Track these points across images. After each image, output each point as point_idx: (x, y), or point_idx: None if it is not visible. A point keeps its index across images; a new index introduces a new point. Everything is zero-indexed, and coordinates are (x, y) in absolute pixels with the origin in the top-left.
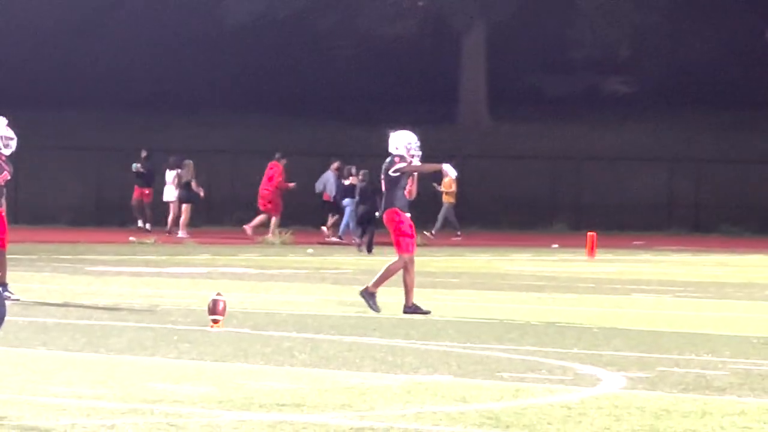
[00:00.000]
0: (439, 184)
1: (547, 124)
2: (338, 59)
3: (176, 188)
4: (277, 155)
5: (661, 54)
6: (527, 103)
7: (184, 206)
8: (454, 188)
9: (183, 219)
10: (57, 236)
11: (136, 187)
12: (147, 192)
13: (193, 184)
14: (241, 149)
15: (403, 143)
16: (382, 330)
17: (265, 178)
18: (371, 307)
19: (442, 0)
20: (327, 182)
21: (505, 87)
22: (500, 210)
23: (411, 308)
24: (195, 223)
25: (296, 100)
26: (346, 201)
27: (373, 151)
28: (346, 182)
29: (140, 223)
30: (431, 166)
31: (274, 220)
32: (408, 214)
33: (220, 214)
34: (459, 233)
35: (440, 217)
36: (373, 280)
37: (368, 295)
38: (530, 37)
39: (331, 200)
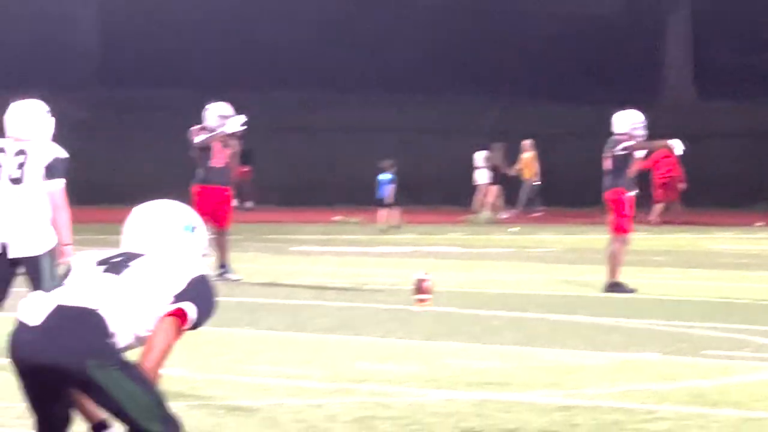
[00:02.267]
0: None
1: (755, 102)
2: (540, 39)
3: (488, 170)
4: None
5: None
6: (734, 81)
7: (492, 188)
8: (536, 168)
9: (489, 199)
10: (262, 216)
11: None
12: (246, 170)
13: (502, 167)
14: (447, 129)
15: (629, 123)
16: (588, 308)
17: (656, 165)
18: (627, 292)
19: None
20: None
21: (711, 65)
22: (705, 188)
23: (615, 286)
24: (402, 201)
25: (494, 80)
26: None
27: (574, 130)
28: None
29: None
30: (659, 143)
31: (660, 205)
32: (632, 193)
33: (426, 193)
34: (538, 210)
35: (522, 195)
36: (607, 274)
37: (613, 287)
38: (737, 14)
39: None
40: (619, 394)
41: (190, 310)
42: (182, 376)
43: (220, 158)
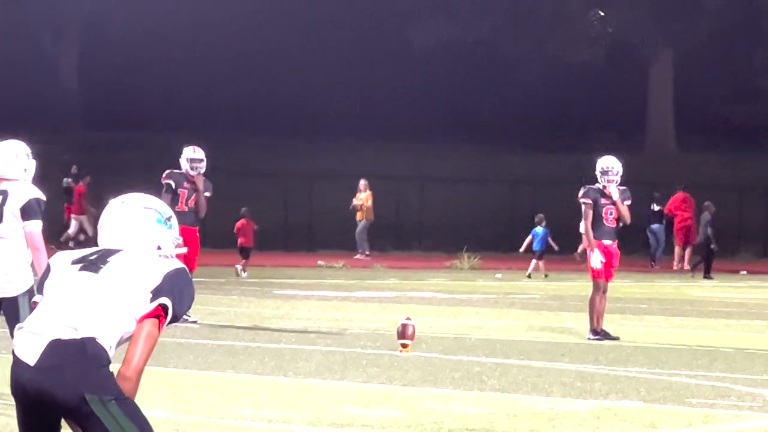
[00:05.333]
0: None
1: (735, 153)
2: (524, 85)
3: None
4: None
5: None
6: (714, 132)
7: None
8: (369, 204)
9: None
10: (350, 261)
11: (66, 204)
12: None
13: None
14: (427, 176)
15: (597, 169)
16: (571, 355)
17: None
18: (610, 339)
19: (629, 28)
20: None
21: (692, 115)
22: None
23: (596, 334)
24: (382, 247)
25: (480, 126)
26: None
27: (559, 177)
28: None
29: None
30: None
31: (689, 249)
32: (608, 242)
33: (408, 239)
34: (367, 253)
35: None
36: (589, 322)
37: (597, 335)
38: (717, 65)
39: None
40: None
41: (169, 305)
42: (166, 418)
43: (180, 203)
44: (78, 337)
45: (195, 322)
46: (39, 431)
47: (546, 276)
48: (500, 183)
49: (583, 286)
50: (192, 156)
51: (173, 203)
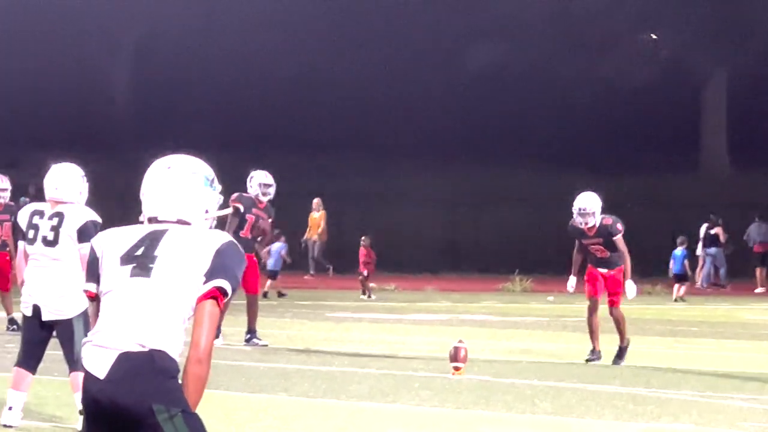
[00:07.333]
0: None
1: None
2: (578, 107)
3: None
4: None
5: None
6: None
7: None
8: (322, 226)
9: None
10: (297, 282)
11: None
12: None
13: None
14: (480, 196)
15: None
16: (623, 378)
17: None
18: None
19: (682, 50)
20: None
21: (746, 135)
22: (742, 259)
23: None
24: (434, 269)
25: (534, 147)
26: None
27: (607, 199)
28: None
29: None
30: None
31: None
32: (604, 270)
33: (461, 260)
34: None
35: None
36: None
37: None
38: None
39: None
40: None
41: (224, 286)
42: None
43: (246, 229)
44: (146, 349)
45: (266, 345)
46: None
47: (684, 300)
48: (553, 204)
49: (636, 308)
50: (264, 181)
51: (239, 228)
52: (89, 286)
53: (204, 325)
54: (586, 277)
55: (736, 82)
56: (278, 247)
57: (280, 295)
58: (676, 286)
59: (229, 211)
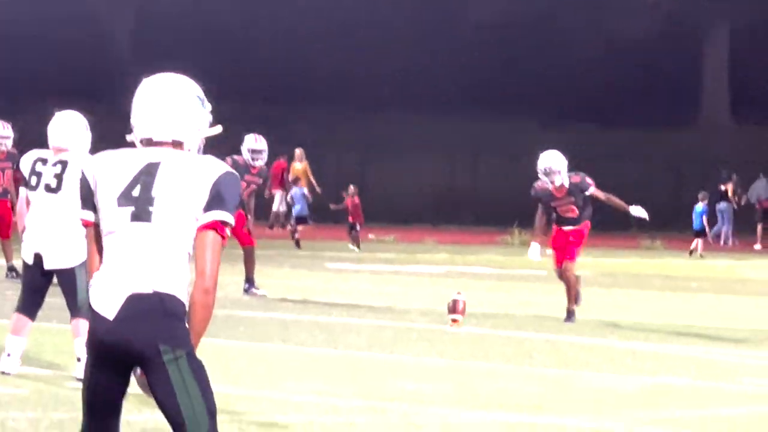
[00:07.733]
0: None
1: None
2: (581, 59)
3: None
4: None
5: None
6: None
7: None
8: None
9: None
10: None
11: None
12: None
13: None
14: (480, 148)
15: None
16: (621, 333)
17: None
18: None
19: (684, 2)
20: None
21: (748, 89)
22: (740, 214)
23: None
24: (433, 221)
25: (535, 100)
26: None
27: (607, 152)
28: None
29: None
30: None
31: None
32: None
33: (459, 211)
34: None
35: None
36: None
37: (572, 314)
38: None
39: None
40: (651, 419)
41: (225, 217)
42: (215, 391)
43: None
44: (155, 292)
45: (264, 295)
46: (108, 379)
47: (701, 256)
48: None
49: (635, 263)
50: (253, 147)
51: None
52: (86, 214)
53: (207, 254)
54: (552, 243)
55: (739, 35)
56: (298, 192)
57: (297, 244)
58: (696, 240)
59: (218, 129)
